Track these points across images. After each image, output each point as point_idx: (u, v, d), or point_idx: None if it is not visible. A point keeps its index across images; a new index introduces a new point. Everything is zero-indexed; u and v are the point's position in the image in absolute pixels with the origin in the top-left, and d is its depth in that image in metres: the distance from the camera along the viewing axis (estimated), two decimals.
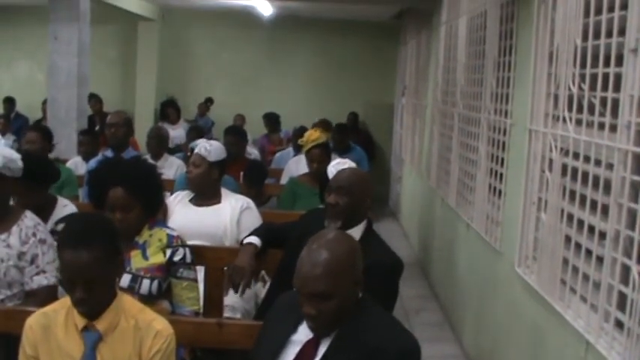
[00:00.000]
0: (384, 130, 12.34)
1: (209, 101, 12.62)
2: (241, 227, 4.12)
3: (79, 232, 2.47)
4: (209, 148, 4.28)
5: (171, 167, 6.39)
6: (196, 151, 4.32)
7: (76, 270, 2.41)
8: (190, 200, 4.32)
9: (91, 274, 2.43)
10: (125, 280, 3.34)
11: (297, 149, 6.98)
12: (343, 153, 7.44)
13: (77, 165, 6.58)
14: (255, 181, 5.75)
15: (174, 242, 3.43)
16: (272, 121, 10.56)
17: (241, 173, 5.87)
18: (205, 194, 4.27)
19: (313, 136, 5.50)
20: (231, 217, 4.14)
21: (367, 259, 2.43)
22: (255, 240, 3.53)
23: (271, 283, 3.63)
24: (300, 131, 7.27)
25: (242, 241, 3.64)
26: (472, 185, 5.54)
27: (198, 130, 8.56)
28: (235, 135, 6.64)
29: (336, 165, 3.47)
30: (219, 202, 4.23)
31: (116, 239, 2.57)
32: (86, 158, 6.59)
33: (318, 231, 2.48)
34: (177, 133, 9.65)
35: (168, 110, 10.57)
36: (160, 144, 6.55)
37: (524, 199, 4.10)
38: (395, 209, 11.03)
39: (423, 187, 8.33)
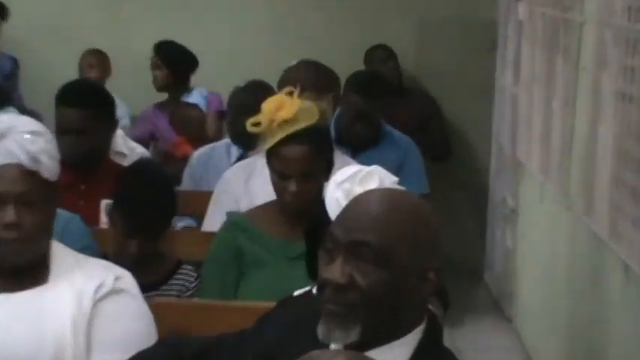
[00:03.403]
0: (471, 88, 6.92)
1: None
2: (94, 340, 2.59)
3: None
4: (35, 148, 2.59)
5: None
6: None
7: None
8: None
9: None
10: None
11: (244, 142, 4.23)
12: (365, 148, 4.72)
13: None
14: (143, 215, 3.24)
15: None
16: (177, 64, 5.88)
17: (103, 203, 3.42)
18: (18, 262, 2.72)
19: (286, 109, 3.24)
20: (74, 315, 2.56)
21: None
22: None
23: None
24: (253, 95, 4.08)
25: None
26: None
27: None
28: (87, 106, 3.79)
29: (347, 181, 2.31)
30: (44, 280, 2.65)
31: None
32: None
33: (302, 351, 1.67)
34: None
35: None
36: None
37: None
38: (499, 291, 6.48)
39: (574, 236, 4.80)
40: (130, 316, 2.55)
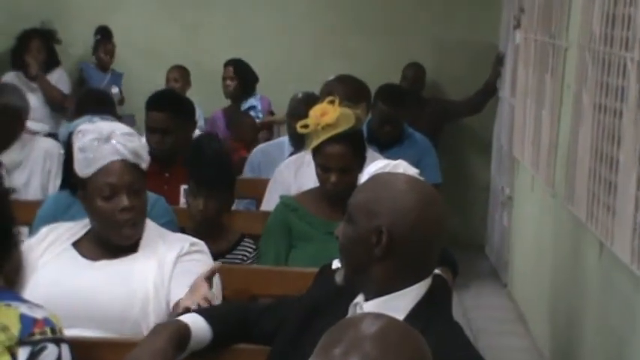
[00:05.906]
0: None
1: (101, 33, 6.95)
2: (173, 282, 2.64)
3: None
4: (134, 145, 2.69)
5: (33, 166, 4.16)
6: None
7: None
8: (75, 245, 2.73)
9: None
10: None
11: (297, 141, 4.26)
12: (391, 146, 4.92)
13: None
14: (206, 173, 3.55)
15: (35, 332, 2.19)
16: (246, 78, 6.25)
17: (181, 188, 3.82)
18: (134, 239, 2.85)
19: (328, 115, 3.45)
20: (156, 278, 2.64)
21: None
22: (191, 319, 2.28)
23: None
24: (304, 103, 4.23)
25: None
26: None
27: (91, 97, 4.87)
28: (171, 110, 4.08)
29: (378, 172, 2.35)
30: (135, 250, 2.72)
31: None
32: None
33: (335, 313, 1.92)
34: (36, 100, 5.97)
35: (30, 46, 6.15)
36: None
37: None
38: (498, 263, 7.01)
39: (558, 218, 5.08)
40: (203, 265, 2.70)
